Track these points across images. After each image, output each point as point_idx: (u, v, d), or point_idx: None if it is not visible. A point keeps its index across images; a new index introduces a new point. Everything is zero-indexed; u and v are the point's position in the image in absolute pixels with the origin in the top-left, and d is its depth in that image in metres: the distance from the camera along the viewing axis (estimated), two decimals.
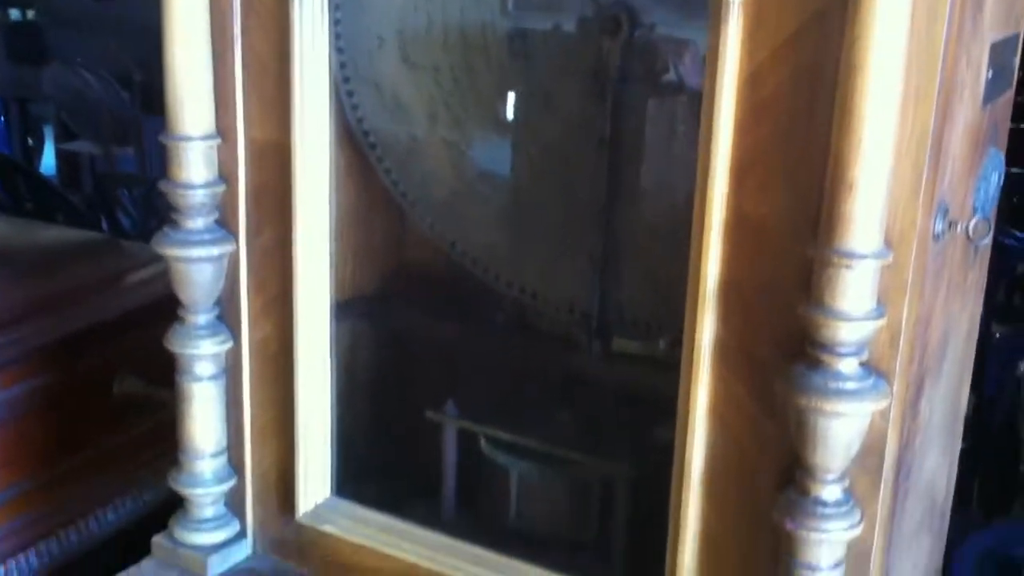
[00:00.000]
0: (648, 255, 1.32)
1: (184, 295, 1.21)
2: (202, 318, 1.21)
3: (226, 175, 1.20)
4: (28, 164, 3.78)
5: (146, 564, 1.26)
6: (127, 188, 3.47)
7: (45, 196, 3.52)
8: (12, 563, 1.42)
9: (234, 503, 1.26)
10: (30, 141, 3.91)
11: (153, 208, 3.31)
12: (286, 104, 1.15)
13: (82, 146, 3.83)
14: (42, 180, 3.66)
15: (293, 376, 1.20)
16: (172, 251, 1.20)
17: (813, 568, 0.94)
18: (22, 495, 1.44)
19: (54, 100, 3.88)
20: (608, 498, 1.28)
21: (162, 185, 1.21)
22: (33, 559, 1.44)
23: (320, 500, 1.24)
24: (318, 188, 1.20)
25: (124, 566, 1.27)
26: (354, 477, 1.26)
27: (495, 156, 1.44)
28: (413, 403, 1.34)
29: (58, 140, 3.92)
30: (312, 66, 1.16)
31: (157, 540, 1.28)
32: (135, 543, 1.34)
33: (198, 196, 1.19)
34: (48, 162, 3.86)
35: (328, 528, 1.22)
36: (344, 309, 1.27)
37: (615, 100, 1.27)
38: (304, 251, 1.19)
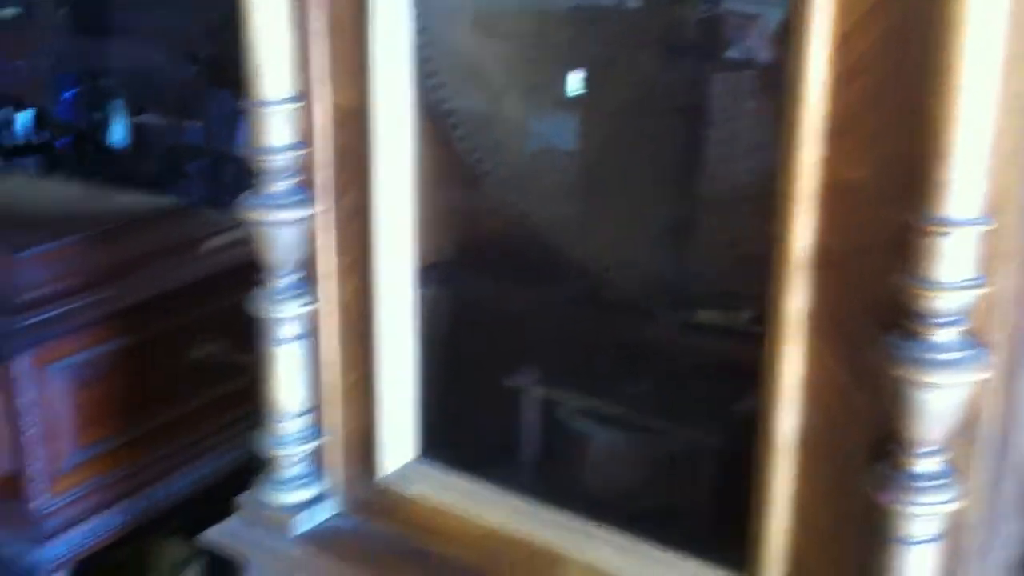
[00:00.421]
0: (726, 224, 1.30)
1: (267, 258, 1.22)
2: (285, 281, 1.22)
3: (308, 139, 1.20)
4: (98, 136, 3.83)
5: (231, 522, 1.28)
6: (194, 160, 3.51)
7: (115, 167, 3.57)
8: (97, 519, 1.44)
9: (319, 463, 1.27)
10: (101, 113, 3.97)
11: (219, 180, 3.34)
12: (366, 68, 1.15)
13: (151, 119, 3.86)
14: (112, 152, 3.71)
15: (375, 339, 1.21)
16: (255, 215, 1.21)
17: (909, 542, 0.92)
18: (107, 452, 1.47)
19: (120, 73, 3.92)
20: (689, 467, 1.28)
21: (244, 150, 1.21)
22: (118, 516, 1.46)
23: (404, 462, 1.25)
24: (398, 152, 1.20)
25: (207, 525, 1.29)
26: (438, 441, 1.27)
27: (569, 125, 1.43)
28: (494, 370, 1.34)
29: (129, 113, 3.97)
30: (391, 30, 1.16)
31: (242, 499, 1.29)
32: (217, 502, 1.36)
33: (280, 160, 1.20)
34: (119, 135, 3.91)
35: (411, 490, 1.22)
36: (421, 275, 1.28)
37: (690, 69, 1.26)
38: (384, 214, 1.20)
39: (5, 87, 3.89)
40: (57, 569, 1.38)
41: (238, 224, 1.73)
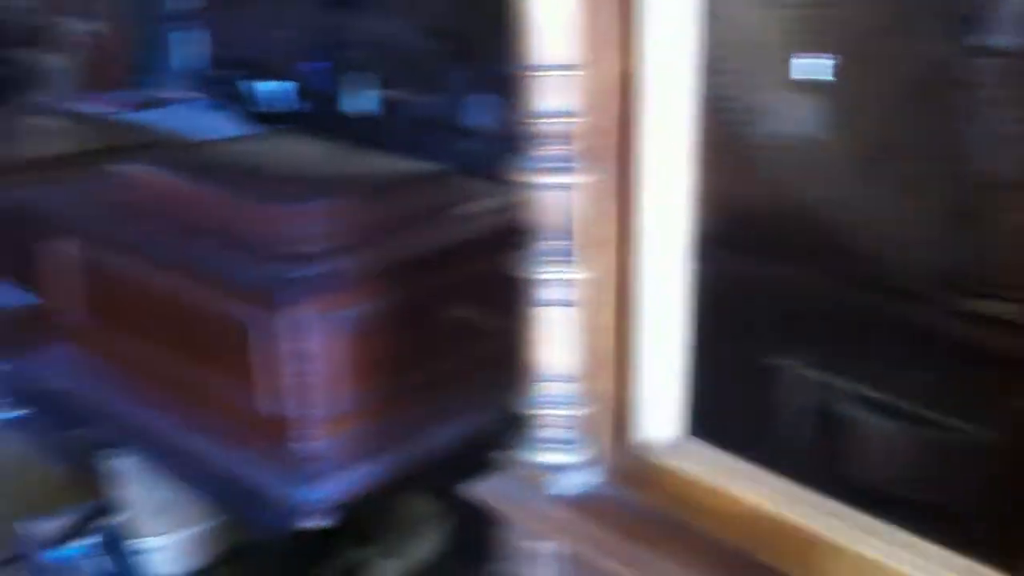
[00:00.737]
0: (1008, 212, 1.23)
1: (536, 221, 1.22)
2: (553, 244, 1.22)
3: (583, 105, 1.19)
4: (344, 106, 3.98)
5: (490, 479, 1.30)
6: (437, 132, 3.59)
7: (360, 138, 3.70)
8: (360, 468, 1.49)
9: (581, 429, 1.27)
10: (348, 85, 4.12)
11: (462, 152, 3.41)
12: (641, 34, 1.14)
13: (396, 91, 3.98)
14: (357, 122, 3.85)
15: (642, 310, 1.20)
16: (528, 178, 1.22)
17: None
18: (375, 404, 1.52)
19: (367, 47, 4.05)
20: (964, 462, 1.21)
21: (519, 114, 1.22)
22: (379, 466, 1.51)
23: (668, 436, 1.24)
24: (674, 122, 1.18)
25: (460, 482, 1.32)
26: (703, 416, 1.25)
27: (840, 104, 1.38)
28: (762, 349, 1.31)
29: (375, 85, 4.10)
30: None
31: (499, 457, 1.31)
32: (470, 461, 1.38)
33: (555, 125, 1.20)
34: (365, 106, 4.05)
35: (674, 464, 1.21)
36: (693, 249, 1.25)
37: (967, 51, 1.19)
38: (658, 186, 1.18)
39: (257, 56, 4.09)
40: (320, 512, 1.44)
41: (496, 191, 1.77)
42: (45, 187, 1.86)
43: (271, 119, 3.78)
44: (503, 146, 2.62)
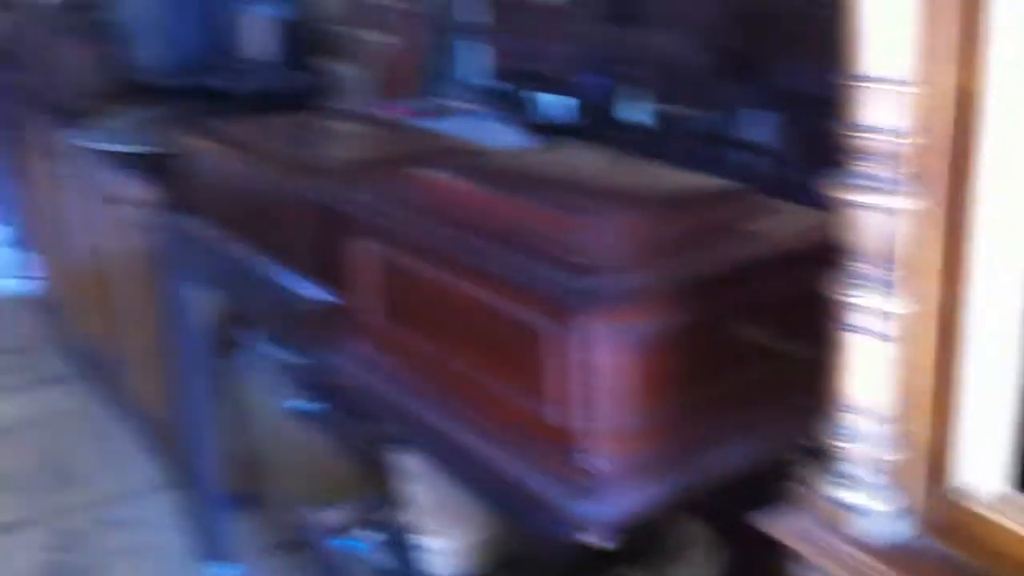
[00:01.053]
0: None
1: (853, 242, 1.16)
2: (871, 269, 1.15)
3: (917, 123, 1.11)
4: (619, 120, 3.98)
5: (777, 511, 1.24)
6: (716, 149, 3.53)
7: (635, 152, 3.68)
8: (641, 490, 1.46)
9: (890, 474, 1.19)
10: (624, 99, 4.13)
11: (743, 170, 3.33)
12: (989, 49, 1.05)
13: (675, 107, 3.94)
14: (632, 136, 3.84)
15: (968, 349, 1.10)
16: (844, 195, 1.15)
17: None
18: (655, 425, 1.48)
19: (643, 62, 4.04)
20: None
21: (839, 125, 1.16)
22: (661, 489, 1.48)
23: (991, 487, 1.13)
24: (1019, 146, 1.08)
25: (737, 509, 1.26)
26: None
27: None
28: None
29: (649, 99, 4.08)
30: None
31: (793, 488, 1.24)
32: (751, 489, 1.33)
33: (878, 142, 1.13)
34: (640, 120, 4.05)
35: (998, 518, 1.10)
36: None
37: None
38: (992, 215, 1.08)
39: (538, 70, 4.16)
40: (601, 529, 1.42)
41: (784, 209, 1.71)
42: (349, 188, 1.94)
43: (549, 131, 3.83)
44: (781, 163, 2.55)
